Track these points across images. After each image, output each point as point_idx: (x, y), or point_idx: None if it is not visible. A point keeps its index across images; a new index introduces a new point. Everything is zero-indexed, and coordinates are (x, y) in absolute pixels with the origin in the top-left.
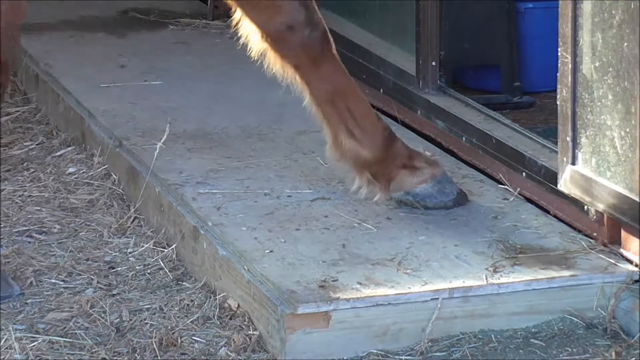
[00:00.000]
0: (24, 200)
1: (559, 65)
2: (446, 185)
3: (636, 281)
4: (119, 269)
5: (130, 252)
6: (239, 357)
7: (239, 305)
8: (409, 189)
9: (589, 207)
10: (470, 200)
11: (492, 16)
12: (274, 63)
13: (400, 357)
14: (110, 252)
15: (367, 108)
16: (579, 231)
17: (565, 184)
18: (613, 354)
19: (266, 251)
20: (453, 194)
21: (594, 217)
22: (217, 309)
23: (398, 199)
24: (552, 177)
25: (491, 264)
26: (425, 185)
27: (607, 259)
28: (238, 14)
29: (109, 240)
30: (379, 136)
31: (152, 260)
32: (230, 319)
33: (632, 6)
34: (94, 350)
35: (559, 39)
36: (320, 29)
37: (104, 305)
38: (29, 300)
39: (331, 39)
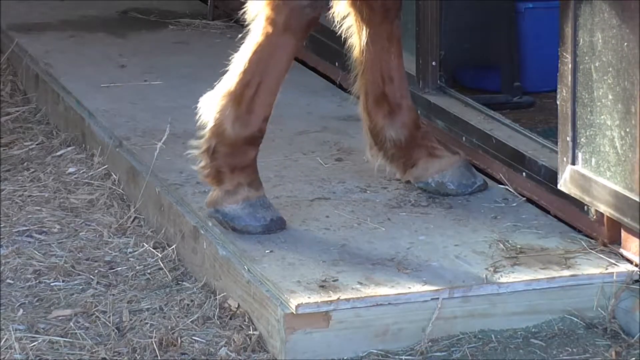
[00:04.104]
0: (24, 200)
1: (559, 65)
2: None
3: (636, 281)
4: (119, 269)
5: (130, 252)
6: (239, 357)
7: (239, 305)
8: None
9: (589, 207)
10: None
11: (492, 16)
12: None
13: (400, 357)
14: (110, 252)
15: None
16: (579, 231)
17: (565, 184)
18: (613, 354)
19: (266, 251)
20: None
21: (594, 217)
22: (217, 309)
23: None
24: (552, 177)
25: (491, 264)
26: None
27: (607, 259)
28: None
29: (109, 240)
30: None
31: (152, 260)
32: (230, 319)
33: (633, 6)
34: (94, 350)
35: (559, 39)
36: None
37: (104, 305)
38: (29, 300)
39: None
